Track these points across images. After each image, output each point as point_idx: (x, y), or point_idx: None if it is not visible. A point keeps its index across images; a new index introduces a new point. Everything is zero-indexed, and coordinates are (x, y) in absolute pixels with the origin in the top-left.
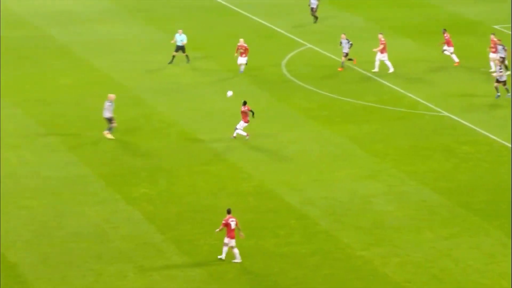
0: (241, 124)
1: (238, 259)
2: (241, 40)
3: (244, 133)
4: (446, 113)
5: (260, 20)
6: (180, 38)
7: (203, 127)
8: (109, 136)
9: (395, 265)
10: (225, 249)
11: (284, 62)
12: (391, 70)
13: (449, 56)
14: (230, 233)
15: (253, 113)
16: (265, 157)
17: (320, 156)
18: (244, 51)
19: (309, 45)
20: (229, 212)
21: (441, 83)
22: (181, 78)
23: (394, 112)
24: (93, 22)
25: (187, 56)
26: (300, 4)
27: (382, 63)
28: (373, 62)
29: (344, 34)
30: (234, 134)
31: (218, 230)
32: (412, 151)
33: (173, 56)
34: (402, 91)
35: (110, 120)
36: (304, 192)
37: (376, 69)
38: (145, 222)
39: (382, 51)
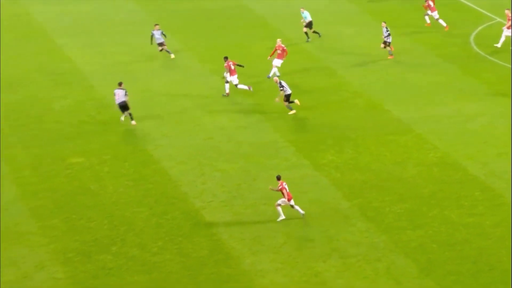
0: (234, 79)
1: (302, 211)
2: (279, 40)
3: (246, 87)
4: None
5: None
6: (304, 15)
7: (390, 97)
8: None
9: None
10: (279, 209)
11: (472, 36)
12: (499, 45)
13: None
14: (288, 195)
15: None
16: (451, 129)
17: (507, 130)
18: (282, 52)
19: (498, 19)
20: (279, 178)
21: None
22: (371, 50)
23: None
24: None
25: (306, 33)
26: None
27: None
28: None
29: (384, 22)
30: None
31: (274, 188)
32: None
33: (316, 32)
34: None
35: None
36: (489, 164)
37: (498, 45)
38: (332, 188)
39: (509, 27)
